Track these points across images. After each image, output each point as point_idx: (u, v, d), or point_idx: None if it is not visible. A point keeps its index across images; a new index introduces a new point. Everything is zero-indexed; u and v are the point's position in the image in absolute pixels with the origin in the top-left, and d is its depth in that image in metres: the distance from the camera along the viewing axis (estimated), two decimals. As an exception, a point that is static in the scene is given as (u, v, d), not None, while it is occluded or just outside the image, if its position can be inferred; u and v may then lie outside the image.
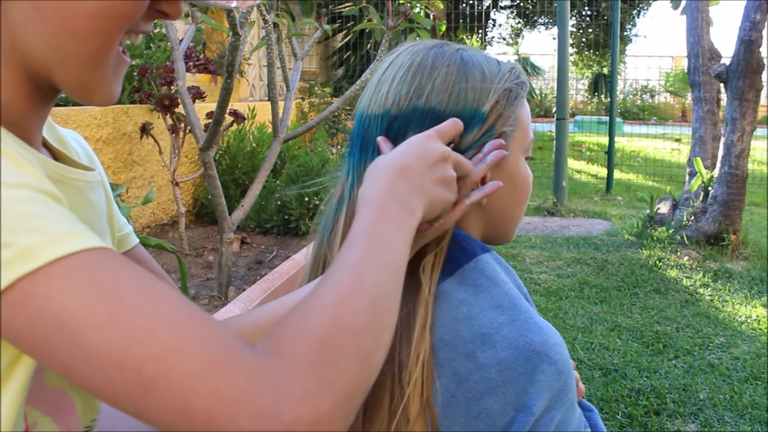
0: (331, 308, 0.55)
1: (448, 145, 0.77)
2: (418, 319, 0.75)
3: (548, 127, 11.01)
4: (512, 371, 0.71)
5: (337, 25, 10.02)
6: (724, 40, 15.39)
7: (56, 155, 0.72)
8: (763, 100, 15.20)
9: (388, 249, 0.63)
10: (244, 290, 3.22)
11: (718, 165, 4.63)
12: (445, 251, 0.80)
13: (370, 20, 3.91)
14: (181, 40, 3.82)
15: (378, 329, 0.56)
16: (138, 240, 0.90)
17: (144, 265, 0.84)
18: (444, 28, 4.47)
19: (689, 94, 16.34)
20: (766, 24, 4.33)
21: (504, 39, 18.78)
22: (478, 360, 0.72)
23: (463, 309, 0.75)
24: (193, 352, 0.47)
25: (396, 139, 0.78)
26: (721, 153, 4.61)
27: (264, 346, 0.51)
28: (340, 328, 0.53)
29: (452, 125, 0.76)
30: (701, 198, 4.85)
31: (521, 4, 16.88)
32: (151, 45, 5.11)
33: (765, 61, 4.39)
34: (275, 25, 3.85)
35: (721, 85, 4.81)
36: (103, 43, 0.57)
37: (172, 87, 4.14)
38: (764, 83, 4.48)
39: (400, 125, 0.79)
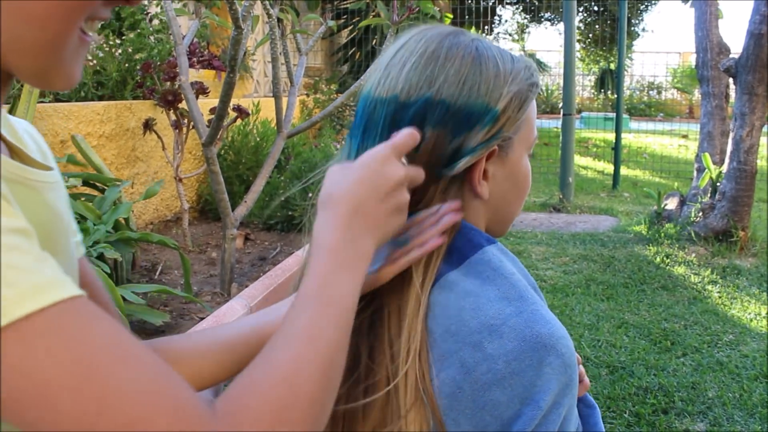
0: (285, 374, 0.56)
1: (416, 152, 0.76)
2: (409, 311, 0.75)
3: (554, 123, 10.95)
4: (519, 363, 0.70)
5: (343, 21, 9.98)
6: (734, 34, 15.28)
7: (11, 150, 0.68)
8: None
9: (341, 305, 0.63)
10: (246, 287, 3.19)
11: (727, 160, 4.58)
12: (444, 246, 0.78)
13: (375, 15, 3.86)
14: (184, 36, 3.79)
15: (329, 394, 0.58)
16: (84, 251, 0.85)
17: (86, 279, 0.81)
18: (449, 23, 4.43)
19: (696, 91, 16.26)
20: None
21: (510, 35, 18.72)
22: (485, 350, 0.71)
23: (469, 299, 0.74)
24: (162, 422, 0.47)
25: (402, 126, 0.76)
26: (729, 148, 4.55)
27: (222, 407, 0.52)
28: (293, 395, 0.55)
29: (409, 138, 0.74)
30: (709, 194, 4.80)
31: (527, 0, 16.81)
32: (153, 36, 5.07)
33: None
34: (279, 20, 3.82)
35: (730, 79, 4.76)
36: (62, 29, 0.54)
37: (175, 82, 4.11)
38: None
39: (406, 114, 0.77)
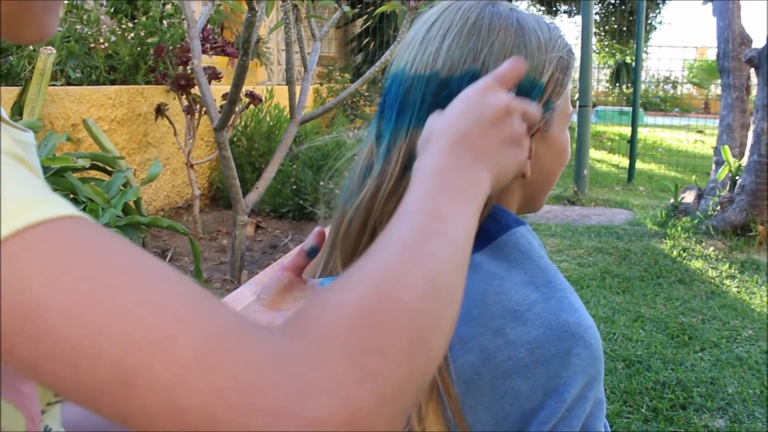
0: (375, 281, 0.44)
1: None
2: None
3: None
4: (543, 351, 0.66)
5: (357, 10, 9.91)
6: (756, 24, 15.08)
7: None
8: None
9: (448, 222, 0.51)
10: (257, 274, 3.15)
11: (747, 153, 4.49)
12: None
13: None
14: (197, 20, 3.74)
15: (436, 310, 0.45)
16: None
17: None
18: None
19: (712, 86, 16.05)
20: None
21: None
22: (507, 337, 0.67)
23: (494, 283, 0.70)
24: (186, 338, 0.37)
25: (443, 107, 0.70)
26: (750, 141, 4.46)
27: (284, 328, 0.41)
28: (386, 303, 0.42)
29: (513, 67, 0.65)
30: (728, 187, 4.71)
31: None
32: (164, 22, 5.03)
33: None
34: (294, 5, 3.76)
35: (752, 71, 4.66)
36: None
37: (188, 66, 4.07)
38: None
39: (451, 91, 0.70)
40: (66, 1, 4.76)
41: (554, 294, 0.70)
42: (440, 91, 0.71)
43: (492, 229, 0.74)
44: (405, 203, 0.54)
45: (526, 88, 0.72)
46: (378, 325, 0.41)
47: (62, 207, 0.40)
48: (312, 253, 0.76)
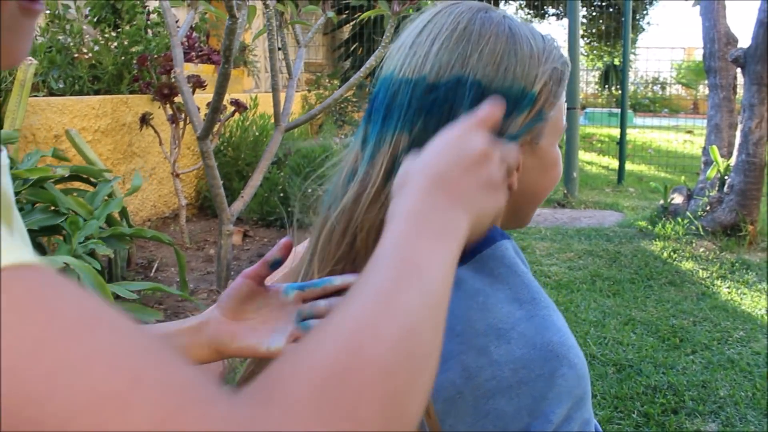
0: (347, 336, 0.41)
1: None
2: None
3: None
4: (528, 372, 0.64)
5: (344, 16, 9.89)
6: (741, 25, 15.15)
7: None
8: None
9: (424, 271, 0.49)
10: (243, 283, 3.11)
11: (735, 153, 4.48)
12: None
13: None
14: (179, 28, 3.70)
15: (412, 367, 0.42)
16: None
17: None
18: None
19: (701, 87, 16.12)
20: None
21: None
22: (491, 356, 0.65)
23: (478, 299, 0.68)
24: (142, 404, 0.33)
25: (429, 112, 0.69)
26: (738, 140, 4.45)
27: (252, 392, 0.38)
28: (358, 361, 0.40)
29: (493, 108, 0.64)
30: (717, 187, 4.70)
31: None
32: (150, 29, 4.99)
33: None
34: (279, 12, 3.73)
35: (738, 71, 4.65)
36: None
37: (171, 75, 4.03)
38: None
39: (437, 96, 0.69)
40: (47, 11, 4.72)
41: (538, 312, 0.68)
42: (427, 95, 0.69)
43: (477, 242, 0.72)
44: (380, 249, 0.51)
45: (516, 97, 0.70)
46: (349, 386, 0.38)
47: (20, 254, 0.35)
48: (275, 265, 0.73)
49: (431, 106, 0.69)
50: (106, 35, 4.57)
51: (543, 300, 0.69)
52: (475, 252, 0.71)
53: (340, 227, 0.71)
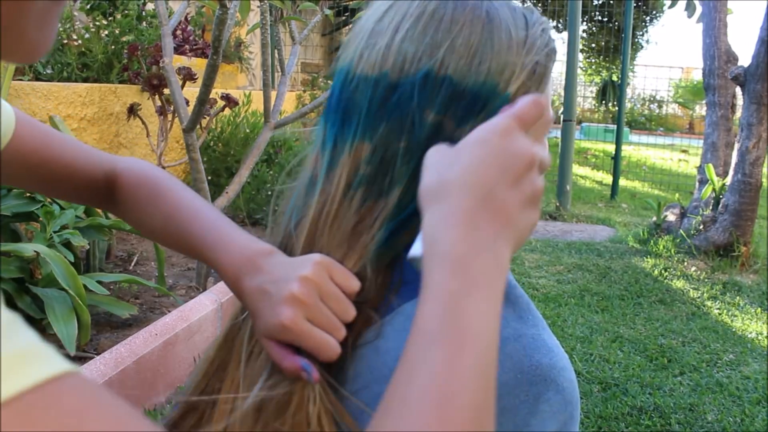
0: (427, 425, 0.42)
1: None
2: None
3: (554, 133, 10.82)
4: (512, 398, 0.57)
5: (343, 18, 9.84)
6: (742, 43, 15.20)
7: None
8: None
9: (481, 341, 0.46)
10: (221, 281, 3.02)
11: (731, 172, 4.42)
12: None
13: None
14: (171, 18, 3.62)
15: (487, 419, 0.44)
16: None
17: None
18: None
19: (697, 107, 16.13)
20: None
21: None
22: None
23: None
24: None
25: (392, 116, 0.59)
26: (734, 160, 4.39)
27: None
28: None
29: (534, 107, 0.55)
30: (711, 206, 4.64)
31: (532, 6, 16.71)
32: (143, 20, 4.90)
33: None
34: (275, 7, 3.65)
35: (737, 89, 4.60)
36: None
37: (160, 65, 3.95)
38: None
39: (401, 95, 0.58)
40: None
41: (526, 331, 0.60)
42: (389, 95, 0.59)
43: None
44: (425, 313, 0.48)
45: (486, 96, 0.59)
46: None
47: (53, 362, 0.34)
48: None
49: (395, 108, 0.59)
50: (98, 23, 4.47)
51: (532, 318, 0.62)
52: None
53: (301, 247, 0.63)
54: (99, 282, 2.87)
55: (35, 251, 2.52)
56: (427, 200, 0.52)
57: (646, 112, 17.58)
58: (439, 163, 0.54)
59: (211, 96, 3.41)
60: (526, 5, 0.68)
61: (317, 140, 0.66)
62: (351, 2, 9.34)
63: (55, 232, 2.82)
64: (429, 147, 0.57)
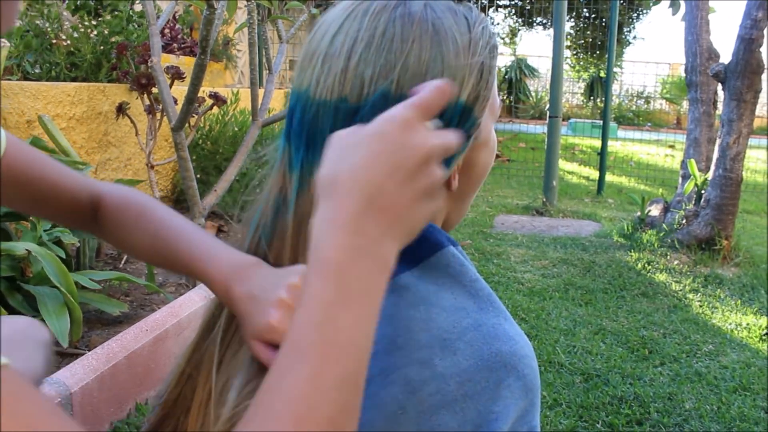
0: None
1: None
2: None
3: (541, 129, 10.89)
4: (474, 384, 0.60)
5: (332, 15, 9.85)
6: (723, 41, 15.31)
7: None
8: (764, 110, 15.07)
9: (350, 351, 0.48)
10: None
11: (713, 168, 4.49)
12: None
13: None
14: (159, 17, 3.65)
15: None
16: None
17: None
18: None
19: (684, 102, 16.26)
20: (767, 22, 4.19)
21: (501, 38, 18.63)
22: (435, 369, 0.61)
23: (421, 308, 0.63)
24: None
25: None
26: (716, 155, 4.47)
27: None
28: None
29: (437, 94, 0.56)
30: (694, 201, 4.71)
31: (519, 3, 16.75)
32: (132, 23, 4.93)
33: (765, 61, 4.25)
34: (263, 6, 3.69)
35: (719, 86, 4.67)
36: None
37: (148, 64, 3.98)
38: (764, 84, 4.33)
39: (363, 119, 0.61)
40: (26, -5, 4.65)
41: (487, 320, 0.63)
42: (351, 118, 0.62)
43: (422, 248, 0.67)
44: (300, 319, 0.49)
45: (444, 109, 0.62)
46: None
47: None
48: None
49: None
50: (86, 23, 4.50)
51: (494, 308, 0.65)
52: (420, 258, 0.66)
53: (273, 258, 0.67)
54: (90, 279, 2.91)
55: (27, 249, 2.56)
56: (320, 194, 0.54)
57: (634, 107, 17.69)
58: (337, 154, 0.55)
59: (199, 94, 3.45)
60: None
61: (281, 160, 0.68)
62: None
63: (45, 230, 2.86)
64: None
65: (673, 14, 6.69)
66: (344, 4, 0.67)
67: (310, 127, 0.64)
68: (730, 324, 3.42)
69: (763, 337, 3.26)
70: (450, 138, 0.58)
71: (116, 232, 0.85)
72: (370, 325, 0.50)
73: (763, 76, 4.28)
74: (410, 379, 0.60)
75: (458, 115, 0.64)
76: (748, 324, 3.43)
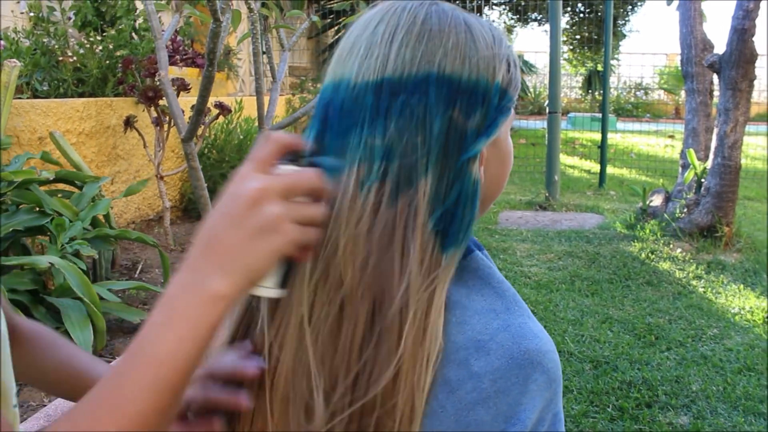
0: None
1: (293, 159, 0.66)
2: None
3: (541, 124, 10.95)
4: (505, 381, 0.66)
5: (329, 20, 9.94)
6: (717, 33, 15.35)
7: None
8: (762, 97, 15.04)
9: (167, 363, 0.57)
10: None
11: (711, 156, 4.57)
12: None
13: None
14: (164, 31, 3.74)
15: None
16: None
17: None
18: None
19: (682, 92, 16.33)
20: (759, 13, 4.27)
21: (497, 36, 18.60)
22: (471, 368, 0.66)
23: (456, 312, 0.69)
24: None
25: (401, 114, 0.66)
26: (713, 144, 4.54)
27: None
28: None
29: (271, 145, 0.63)
30: (694, 190, 4.79)
31: (513, 0, 16.82)
32: (138, 34, 5.01)
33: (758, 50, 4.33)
34: (264, 16, 3.78)
35: (714, 76, 4.75)
36: None
37: (156, 78, 4.06)
38: (763, 71, 4.41)
39: (406, 97, 0.66)
40: (32, 14, 4.73)
41: (514, 320, 0.69)
42: (394, 97, 0.66)
43: None
44: (137, 336, 0.59)
45: (483, 88, 0.68)
46: None
47: None
48: None
49: (402, 107, 0.65)
50: (91, 39, 4.59)
51: (519, 309, 0.71)
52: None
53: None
54: (109, 290, 3.00)
55: (50, 263, 2.65)
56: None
57: (633, 99, 17.73)
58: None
59: (206, 106, 3.53)
60: None
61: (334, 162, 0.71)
62: (335, 5, 9.45)
63: (65, 243, 2.94)
64: (447, 139, 0.66)
65: (668, 4, 6.76)
66: (382, 5, 0.73)
67: (351, 108, 0.68)
68: (734, 308, 3.50)
69: (766, 320, 3.33)
70: (296, 174, 0.63)
71: (24, 358, 0.93)
72: (192, 345, 0.58)
73: (760, 65, 4.36)
74: (449, 380, 0.66)
75: (497, 95, 0.70)
76: (751, 307, 3.50)
